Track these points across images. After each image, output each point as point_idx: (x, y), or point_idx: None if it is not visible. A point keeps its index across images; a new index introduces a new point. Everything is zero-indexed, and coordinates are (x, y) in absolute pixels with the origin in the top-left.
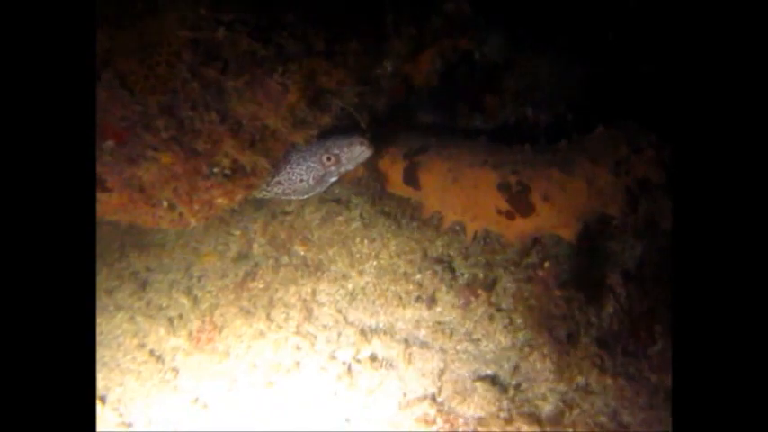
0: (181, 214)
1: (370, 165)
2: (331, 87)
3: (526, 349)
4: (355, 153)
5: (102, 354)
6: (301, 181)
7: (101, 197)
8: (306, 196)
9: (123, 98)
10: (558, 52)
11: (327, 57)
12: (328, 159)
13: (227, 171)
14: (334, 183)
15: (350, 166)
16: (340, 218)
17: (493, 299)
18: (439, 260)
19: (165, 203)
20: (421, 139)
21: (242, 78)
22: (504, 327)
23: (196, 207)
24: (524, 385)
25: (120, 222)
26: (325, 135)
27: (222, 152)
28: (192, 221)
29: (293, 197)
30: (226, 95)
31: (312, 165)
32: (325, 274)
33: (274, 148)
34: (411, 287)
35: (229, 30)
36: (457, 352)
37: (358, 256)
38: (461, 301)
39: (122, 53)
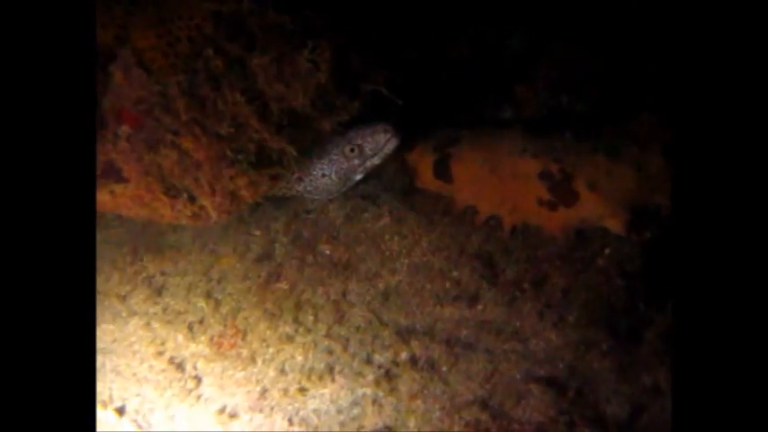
0: (202, 207)
1: (398, 159)
2: (360, 69)
3: (582, 347)
4: (380, 143)
5: (116, 362)
6: (323, 176)
7: (116, 188)
8: (330, 196)
9: (140, 78)
10: (587, 38)
11: (357, 34)
12: (351, 150)
13: (252, 158)
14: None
15: (376, 160)
16: (367, 214)
17: (540, 295)
18: (477, 256)
19: (185, 195)
20: (451, 131)
21: (269, 55)
22: (555, 324)
23: (218, 199)
24: (584, 387)
25: (133, 223)
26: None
27: (247, 136)
28: (214, 216)
29: (316, 197)
30: (251, 74)
31: (334, 157)
32: (354, 274)
33: (301, 134)
34: (449, 285)
35: (255, 1)
36: (505, 352)
37: (388, 253)
38: (506, 298)
39: (139, 28)
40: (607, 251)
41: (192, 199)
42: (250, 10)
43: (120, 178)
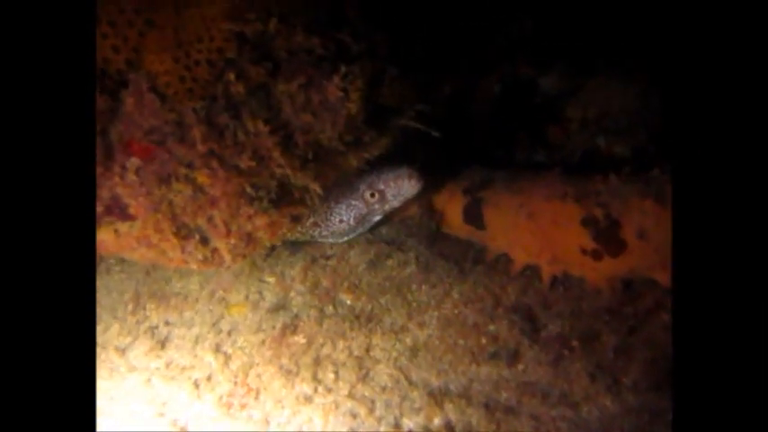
0: (215, 250)
1: (425, 201)
2: (392, 102)
3: (645, 415)
4: (403, 188)
5: (111, 425)
6: (341, 221)
7: (121, 227)
8: (345, 239)
9: (153, 105)
10: (631, 75)
11: (391, 63)
12: (372, 196)
13: (273, 196)
14: (379, 222)
15: (396, 204)
16: (391, 261)
17: (590, 354)
18: (514, 309)
19: (198, 236)
20: (483, 173)
21: (296, 81)
22: (609, 387)
23: (233, 241)
24: None
25: (136, 267)
26: (370, 167)
27: (269, 171)
28: (227, 260)
29: (331, 240)
30: (275, 101)
31: (354, 203)
32: (378, 326)
33: (325, 170)
34: (485, 341)
35: (282, 22)
36: (553, 419)
37: (416, 305)
38: (550, 357)
39: (154, 51)
40: None
41: (204, 240)
42: (277, 31)
43: (125, 216)
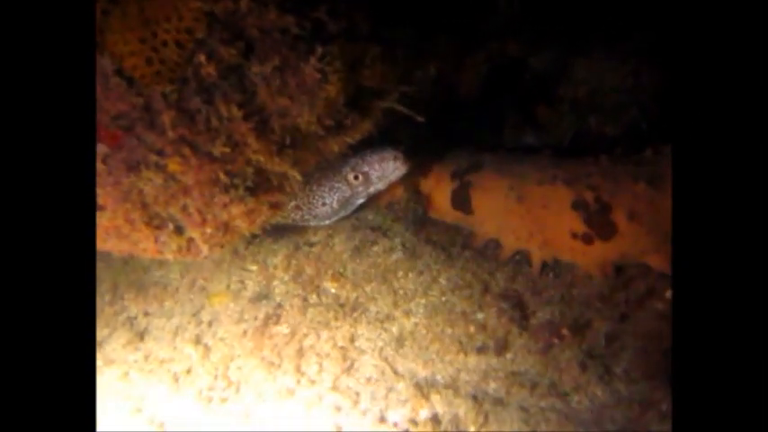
0: (190, 240)
1: (411, 186)
2: (373, 84)
3: (636, 407)
4: (388, 170)
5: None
6: (324, 204)
7: None
8: (327, 222)
9: (120, 89)
10: (622, 53)
11: (372, 43)
12: (356, 178)
13: (250, 183)
14: (363, 206)
15: (380, 186)
16: (377, 248)
17: (581, 342)
18: (503, 296)
19: (171, 225)
20: (471, 156)
21: (270, 62)
22: (601, 377)
23: (209, 231)
24: None
25: (111, 255)
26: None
27: (244, 158)
28: (204, 250)
29: (312, 223)
30: (249, 84)
31: (337, 185)
32: (363, 316)
33: (305, 156)
34: (473, 329)
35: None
36: (542, 410)
37: (402, 292)
38: (540, 346)
39: (119, 31)
40: (668, 294)
41: (178, 230)
42: (248, 10)
43: None
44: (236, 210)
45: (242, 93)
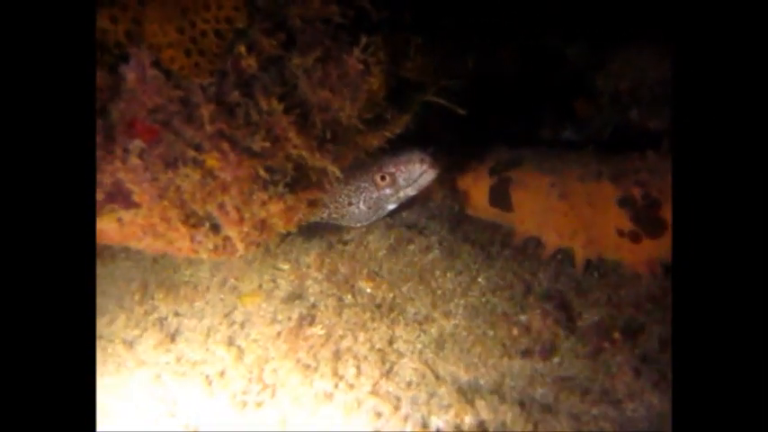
0: (226, 239)
1: (447, 182)
2: (414, 76)
3: None
4: (415, 173)
5: (118, 425)
6: (350, 204)
7: (125, 216)
8: (359, 224)
9: (157, 82)
10: (665, 43)
11: (415, 33)
12: (382, 179)
13: (289, 180)
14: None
15: (410, 191)
16: (413, 246)
17: (634, 346)
18: (547, 296)
19: (208, 224)
20: (509, 152)
21: (312, 53)
22: (656, 384)
23: (246, 229)
24: None
25: (142, 254)
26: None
27: (284, 153)
28: (240, 248)
29: (343, 223)
30: (290, 77)
31: (363, 185)
32: (401, 317)
33: (344, 152)
34: (516, 332)
35: None
36: (595, 418)
37: (440, 293)
38: (588, 350)
39: (157, 21)
40: None
41: (215, 228)
42: None
43: (129, 203)
44: (274, 207)
45: (282, 85)
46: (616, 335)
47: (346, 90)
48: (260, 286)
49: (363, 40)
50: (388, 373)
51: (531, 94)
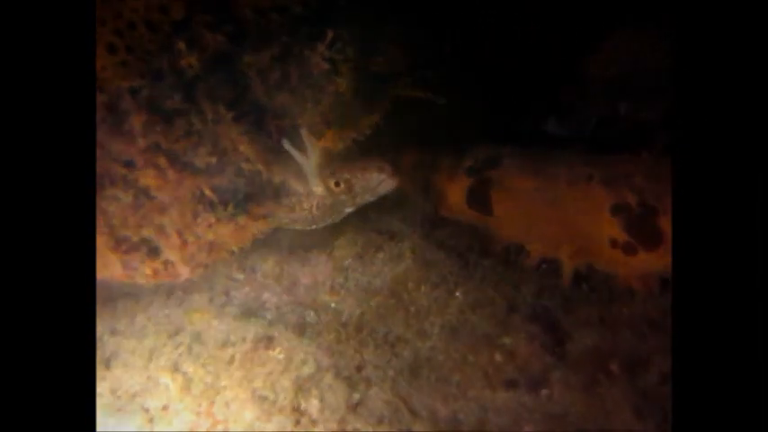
0: (167, 263)
1: (422, 180)
2: (385, 70)
3: None
4: (372, 182)
5: None
6: (302, 209)
7: None
8: (312, 227)
9: None
10: (663, 27)
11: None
12: (336, 185)
13: (241, 196)
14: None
15: (369, 197)
16: (382, 254)
17: (633, 377)
18: (533, 316)
19: (145, 248)
20: (488, 148)
21: (268, 51)
22: (659, 426)
23: (191, 251)
24: None
25: None
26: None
27: (234, 168)
28: (184, 272)
29: (296, 227)
30: (241, 78)
31: (317, 189)
32: (369, 337)
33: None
34: (499, 357)
35: None
36: None
37: (414, 309)
38: (582, 380)
39: None
40: None
41: (153, 252)
42: None
43: None
44: (224, 229)
45: (232, 88)
46: (613, 367)
47: (308, 92)
48: (211, 300)
49: (329, 33)
50: (355, 408)
51: (510, 81)
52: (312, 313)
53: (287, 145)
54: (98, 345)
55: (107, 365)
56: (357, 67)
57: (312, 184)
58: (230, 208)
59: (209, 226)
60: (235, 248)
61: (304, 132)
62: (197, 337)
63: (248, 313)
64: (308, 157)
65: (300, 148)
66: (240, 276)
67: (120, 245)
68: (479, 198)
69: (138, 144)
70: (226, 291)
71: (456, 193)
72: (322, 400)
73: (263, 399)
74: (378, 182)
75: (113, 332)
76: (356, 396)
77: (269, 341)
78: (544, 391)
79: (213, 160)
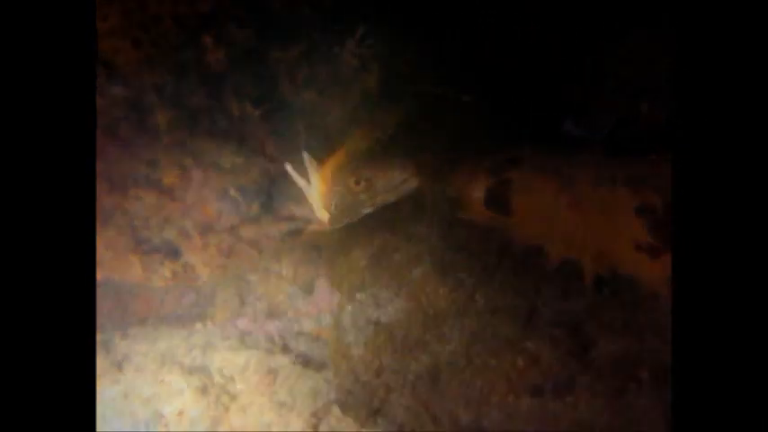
0: (187, 265)
1: (439, 180)
2: (409, 69)
3: None
4: (395, 181)
5: None
6: (321, 208)
7: None
8: (330, 227)
9: (97, 79)
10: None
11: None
12: (356, 183)
13: (264, 198)
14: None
15: (390, 198)
16: (398, 255)
17: (663, 385)
18: (555, 322)
19: (164, 250)
20: (509, 148)
21: (296, 47)
22: None
23: (211, 254)
24: None
25: None
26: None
27: (260, 168)
28: (204, 275)
29: (313, 227)
30: (269, 75)
31: (336, 188)
32: (389, 342)
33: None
34: (521, 362)
35: None
36: None
37: (432, 312)
38: (611, 386)
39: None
40: None
41: (173, 254)
42: None
43: None
44: (247, 231)
45: (258, 85)
46: (644, 374)
47: (336, 89)
48: (224, 301)
49: (360, 29)
50: (375, 414)
51: (527, 82)
52: (328, 316)
53: (290, 169)
54: (108, 349)
55: (119, 367)
56: (386, 65)
57: (316, 210)
58: (254, 208)
59: (233, 228)
60: (258, 252)
61: (306, 157)
62: (211, 340)
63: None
64: (310, 183)
65: (303, 173)
66: (254, 278)
67: (141, 245)
68: (498, 198)
69: (163, 142)
70: (239, 293)
71: (475, 193)
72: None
73: (281, 404)
74: (400, 180)
75: (125, 336)
76: (375, 402)
77: (285, 344)
78: (569, 398)
79: (240, 160)
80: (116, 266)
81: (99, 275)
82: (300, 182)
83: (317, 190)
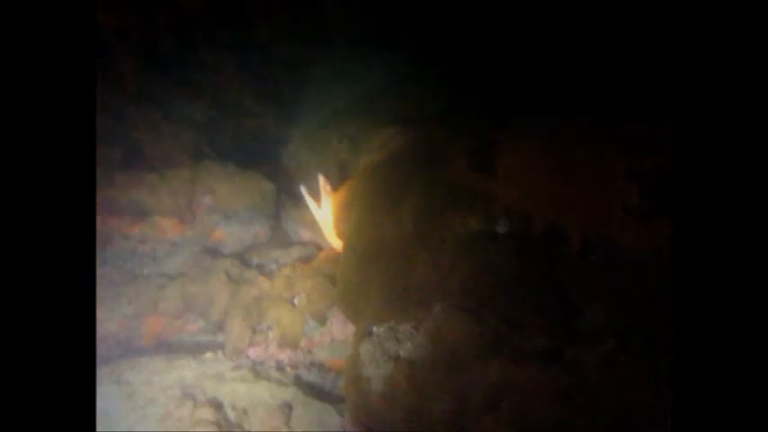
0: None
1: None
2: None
3: None
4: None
5: None
6: None
7: None
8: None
9: None
10: None
11: None
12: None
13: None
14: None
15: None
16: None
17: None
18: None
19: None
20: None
21: None
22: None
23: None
24: None
25: None
26: None
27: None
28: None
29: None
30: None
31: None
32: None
33: None
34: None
35: None
36: None
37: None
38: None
39: None
40: None
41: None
42: None
43: None
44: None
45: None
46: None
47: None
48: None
49: None
50: None
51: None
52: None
53: (303, 191)
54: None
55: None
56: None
57: (325, 234)
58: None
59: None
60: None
61: (321, 180)
62: None
63: None
64: (321, 208)
65: (316, 197)
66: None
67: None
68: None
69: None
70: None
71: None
72: None
73: None
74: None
75: None
76: None
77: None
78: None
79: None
80: None
81: None
82: (312, 206)
83: (328, 213)
